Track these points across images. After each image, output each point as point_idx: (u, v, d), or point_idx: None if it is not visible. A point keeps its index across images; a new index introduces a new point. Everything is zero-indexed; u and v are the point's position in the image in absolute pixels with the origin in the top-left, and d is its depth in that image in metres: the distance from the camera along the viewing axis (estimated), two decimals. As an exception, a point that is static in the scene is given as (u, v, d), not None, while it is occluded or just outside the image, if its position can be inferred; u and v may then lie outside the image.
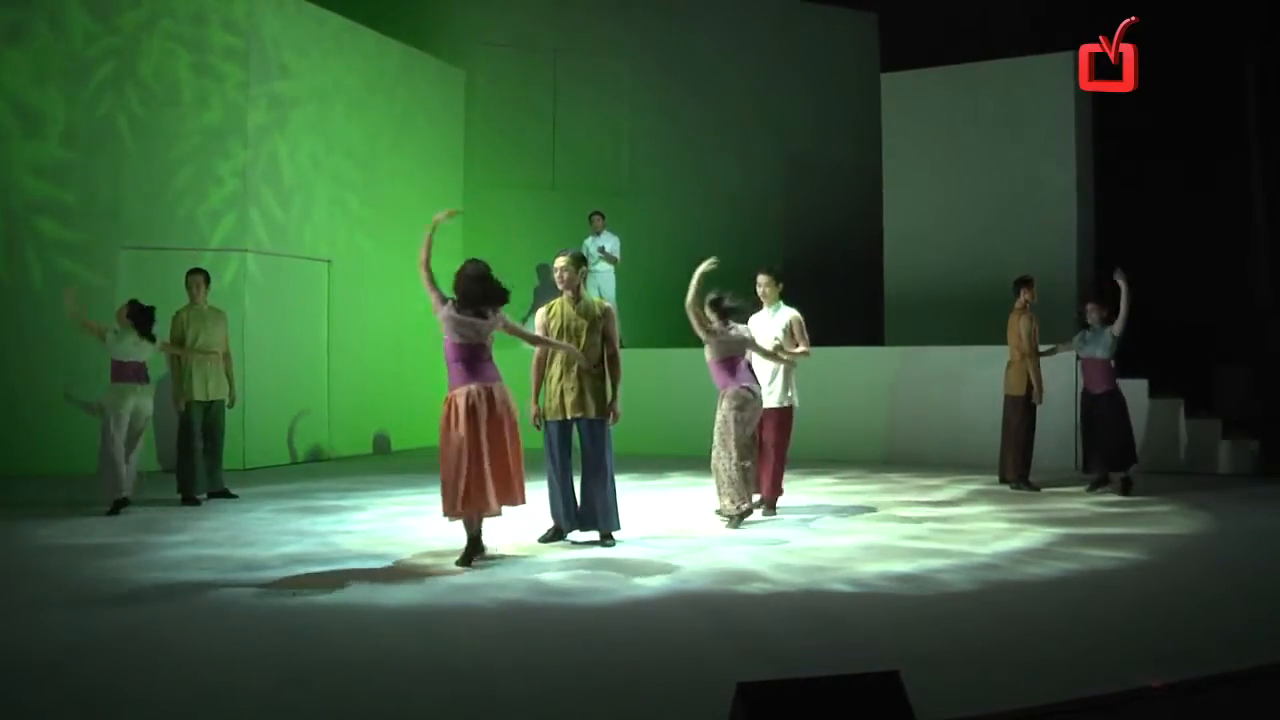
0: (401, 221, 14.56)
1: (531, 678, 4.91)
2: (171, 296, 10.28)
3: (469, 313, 7.07)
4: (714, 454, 8.55)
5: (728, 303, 8.55)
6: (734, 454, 8.42)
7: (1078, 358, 10.71)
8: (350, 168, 14.14)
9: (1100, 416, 10.22)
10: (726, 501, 8.53)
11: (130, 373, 9.41)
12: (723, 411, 8.51)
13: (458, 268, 7.19)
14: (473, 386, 7.02)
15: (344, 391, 13.78)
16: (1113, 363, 10.38)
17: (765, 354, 8.88)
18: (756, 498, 8.71)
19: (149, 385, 9.61)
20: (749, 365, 8.69)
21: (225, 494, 10.10)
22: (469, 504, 6.95)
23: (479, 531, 7.22)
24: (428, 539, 7.81)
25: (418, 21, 16.20)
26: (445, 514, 7.08)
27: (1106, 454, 10.20)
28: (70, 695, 4.72)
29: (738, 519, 8.50)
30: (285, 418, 12.94)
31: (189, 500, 9.78)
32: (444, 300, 7.11)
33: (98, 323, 9.65)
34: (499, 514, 7.16)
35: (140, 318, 9.50)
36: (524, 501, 7.24)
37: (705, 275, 8.43)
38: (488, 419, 6.98)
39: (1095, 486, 10.21)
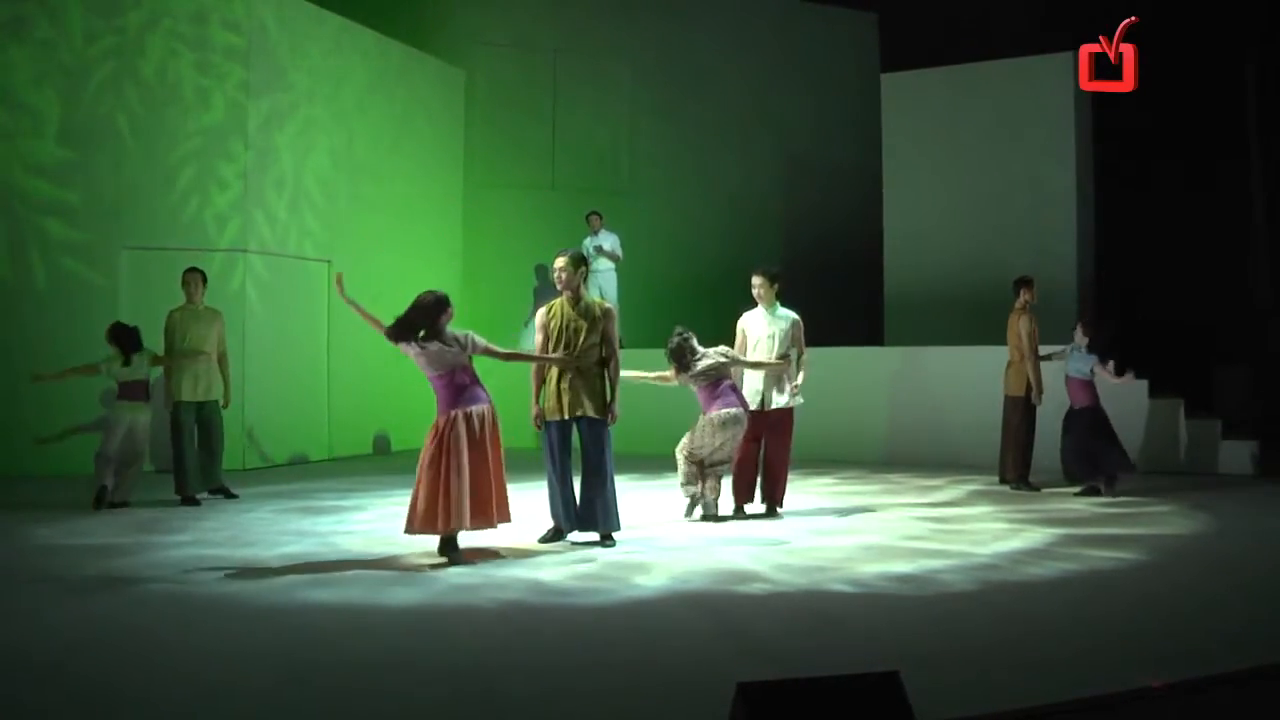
0: (402, 221, 14.54)
1: (531, 678, 4.91)
2: (173, 297, 10.29)
3: (431, 344, 7.09)
4: (680, 449, 8.76)
5: (676, 345, 8.69)
6: (690, 460, 8.73)
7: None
8: (350, 167, 14.12)
9: (1082, 430, 10.14)
10: (690, 490, 8.85)
11: (134, 392, 9.43)
12: (703, 422, 8.70)
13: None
14: (454, 411, 7.08)
15: (344, 391, 13.77)
16: (1095, 379, 10.34)
17: (751, 365, 8.93)
18: (709, 505, 8.89)
19: (150, 402, 9.63)
20: (732, 386, 8.77)
21: (225, 492, 10.10)
22: (448, 524, 7.02)
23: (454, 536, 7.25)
24: (428, 539, 7.78)
25: (418, 21, 16.19)
26: (405, 530, 7.20)
27: (1087, 464, 10.13)
28: (70, 695, 4.73)
29: (690, 504, 8.83)
30: (286, 418, 12.93)
31: (188, 500, 9.77)
32: (407, 343, 7.13)
33: (85, 365, 9.65)
34: (494, 527, 7.25)
35: (124, 339, 9.47)
36: (509, 520, 7.33)
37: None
38: (469, 443, 7.02)
39: (1084, 494, 10.14)
